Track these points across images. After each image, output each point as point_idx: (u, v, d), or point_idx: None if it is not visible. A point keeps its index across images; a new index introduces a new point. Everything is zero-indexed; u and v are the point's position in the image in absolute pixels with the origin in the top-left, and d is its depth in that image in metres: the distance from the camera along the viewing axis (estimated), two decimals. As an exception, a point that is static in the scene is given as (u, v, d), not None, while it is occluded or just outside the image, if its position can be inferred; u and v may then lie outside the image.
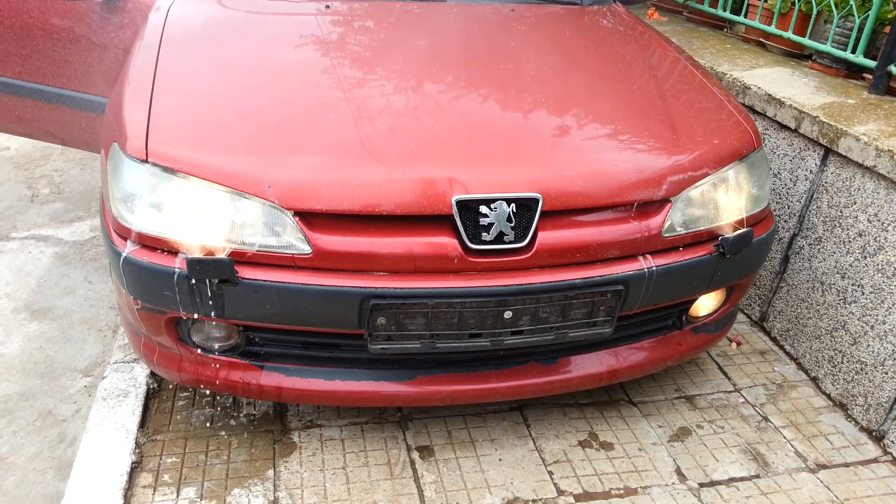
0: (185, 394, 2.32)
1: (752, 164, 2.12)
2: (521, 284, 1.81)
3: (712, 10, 3.78)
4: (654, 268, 1.92)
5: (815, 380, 2.61)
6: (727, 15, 3.64)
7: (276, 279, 1.75)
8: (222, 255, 1.74)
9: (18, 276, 3.04)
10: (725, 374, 2.61)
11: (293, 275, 1.76)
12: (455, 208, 1.76)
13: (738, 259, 2.07)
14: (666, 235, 1.95)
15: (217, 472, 2.04)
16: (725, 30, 4.01)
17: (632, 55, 2.52)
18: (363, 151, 1.81)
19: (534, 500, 2.01)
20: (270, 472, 2.05)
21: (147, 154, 1.78)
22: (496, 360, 2.04)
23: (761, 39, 3.53)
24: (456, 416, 2.29)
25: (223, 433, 2.18)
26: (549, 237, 1.84)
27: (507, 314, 1.84)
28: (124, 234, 1.82)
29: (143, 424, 2.18)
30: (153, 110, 1.90)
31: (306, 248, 1.75)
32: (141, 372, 2.35)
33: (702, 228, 2.01)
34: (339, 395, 1.97)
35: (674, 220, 1.96)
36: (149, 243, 1.79)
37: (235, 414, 2.25)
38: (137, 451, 2.09)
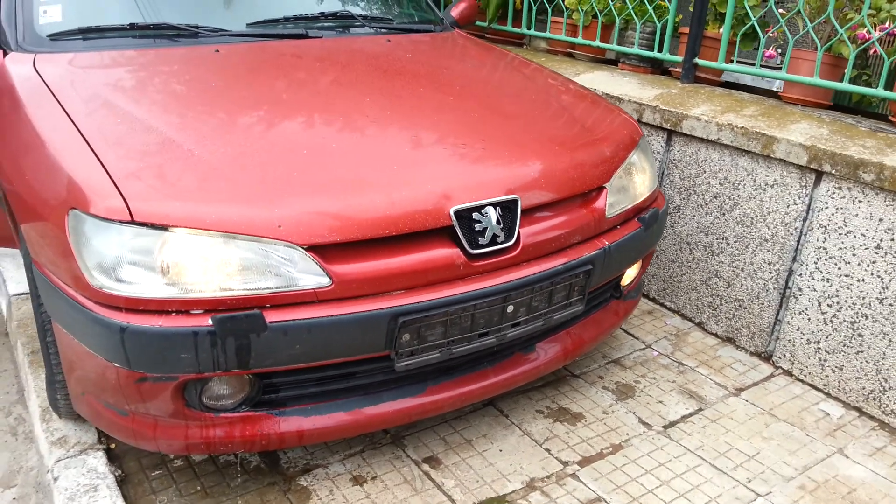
0: (159, 472, 2.13)
1: (643, 148, 2.50)
2: (520, 278, 1.98)
3: (516, 30, 4.23)
4: (610, 245, 2.20)
5: (699, 324, 3.08)
6: (532, 32, 4.11)
7: (304, 316, 1.73)
8: (248, 309, 1.69)
9: None
10: (632, 335, 2.98)
11: (319, 309, 1.75)
12: (454, 218, 1.88)
13: (653, 230, 2.43)
14: (608, 216, 2.24)
15: (235, 539, 1.93)
16: (524, 45, 4.50)
17: (512, 71, 2.81)
18: (361, 180, 1.87)
19: (548, 476, 2.17)
20: (291, 524, 1.98)
21: (131, 213, 1.67)
22: (489, 358, 2.18)
23: (569, 50, 4.04)
24: (442, 424, 2.37)
25: (226, 499, 2.05)
26: (530, 232, 2.03)
27: (510, 308, 1.99)
28: (115, 303, 1.68)
29: (126, 517, 1.98)
30: (109, 169, 1.77)
31: (326, 281, 1.76)
32: (95, 462, 2.12)
33: (629, 206, 2.34)
34: (361, 423, 1.97)
35: (610, 201, 2.26)
36: (153, 307, 1.67)
37: (227, 475, 2.12)
38: (136, 544, 1.90)
